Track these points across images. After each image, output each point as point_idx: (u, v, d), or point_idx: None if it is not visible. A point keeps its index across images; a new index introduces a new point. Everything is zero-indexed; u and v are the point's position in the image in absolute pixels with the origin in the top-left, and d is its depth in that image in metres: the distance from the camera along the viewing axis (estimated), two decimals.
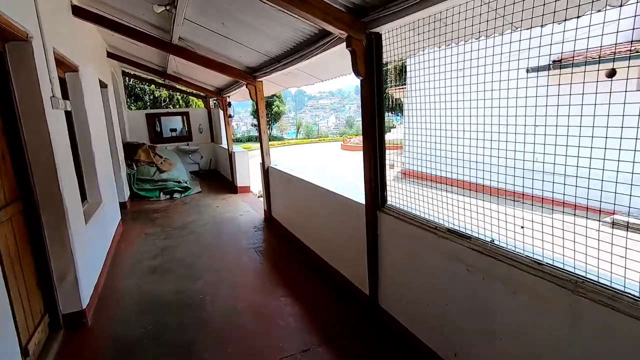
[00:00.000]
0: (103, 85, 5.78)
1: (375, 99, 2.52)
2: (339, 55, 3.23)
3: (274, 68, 4.10)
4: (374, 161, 2.63)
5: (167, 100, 14.72)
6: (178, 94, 13.84)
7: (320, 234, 3.67)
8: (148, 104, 14.52)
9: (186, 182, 7.29)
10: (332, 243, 3.40)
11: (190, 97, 13.56)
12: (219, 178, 8.96)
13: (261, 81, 4.86)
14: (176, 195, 7.05)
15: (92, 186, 3.99)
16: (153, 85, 13.49)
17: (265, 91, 5.06)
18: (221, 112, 8.11)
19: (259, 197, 7.42)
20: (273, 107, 31.24)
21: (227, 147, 7.92)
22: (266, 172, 5.27)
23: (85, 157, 3.90)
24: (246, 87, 4.96)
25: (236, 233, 4.94)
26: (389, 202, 2.64)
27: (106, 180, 4.51)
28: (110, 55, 6.46)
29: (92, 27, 5.19)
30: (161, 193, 7.01)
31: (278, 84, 5.28)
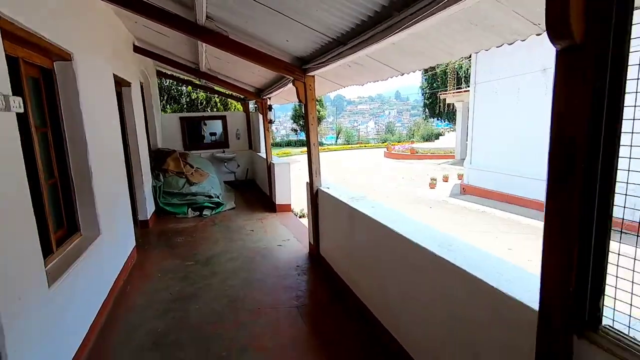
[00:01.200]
0: (125, 84, 4.89)
1: None
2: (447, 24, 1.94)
3: (336, 55, 2.85)
4: (568, 236, 1.21)
5: (204, 102, 13.95)
6: (216, 96, 13.10)
7: (410, 316, 2.28)
8: (184, 106, 13.96)
9: (218, 197, 6.27)
10: (435, 343, 2.03)
11: (228, 99, 12.76)
12: (256, 190, 7.95)
13: (313, 76, 3.64)
14: (206, 212, 6.04)
15: (86, 214, 2.97)
16: (190, 87, 12.83)
17: (317, 90, 3.84)
18: (260, 117, 7.06)
19: (300, 216, 6.22)
20: None
21: (265, 157, 6.83)
22: (315, 195, 4.03)
23: (78, 174, 2.89)
24: (292, 84, 3.76)
25: (273, 277, 3.73)
26: (604, 323, 1.21)
27: (113, 202, 3.51)
28: (138, 50, 5.61)
29: (113, 14, 4.29)
30: (189, 209, 6.04)
31: (334, 81, 4.04)
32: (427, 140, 31.12)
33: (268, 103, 6.54)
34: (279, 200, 6.28)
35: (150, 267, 4.05)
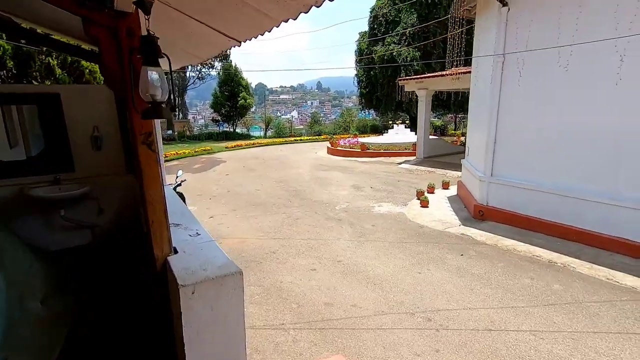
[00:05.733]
0: None
1: None
2: None
3: None
4: None
5: (13, 65, 6.75)
6: (44, 50, 6.88)
7: None
8: None
9: None
10: None
11: (82, 60, 6.65)
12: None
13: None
14: None
15: None
16: None
17: None
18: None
19: None
20: (239, 99, 25.73)
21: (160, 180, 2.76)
22: None
23: None
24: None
25: None
26: None
27: None
28: None
29: None
30: None
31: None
32: (363, 133, 28.93)
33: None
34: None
35: None
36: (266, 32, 1.76)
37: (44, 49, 6.17)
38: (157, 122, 3.60)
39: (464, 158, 8.38)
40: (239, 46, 2.10)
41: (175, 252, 1.76)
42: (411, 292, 4.15)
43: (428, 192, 8.70)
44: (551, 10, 5.06)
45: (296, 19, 1.45)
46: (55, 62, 7.19)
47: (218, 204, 8.38)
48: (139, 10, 1.27)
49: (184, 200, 6.19)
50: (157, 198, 1.54)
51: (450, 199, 8.31)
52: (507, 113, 5.95)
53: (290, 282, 4.48)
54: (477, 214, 6.59)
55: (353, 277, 4.55)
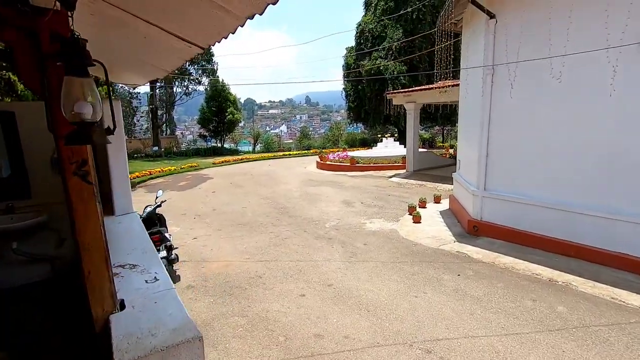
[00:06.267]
0: None
1: None
2: None
3: None
4: None
5: None
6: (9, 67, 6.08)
7: None
8: None
9: None
10: None
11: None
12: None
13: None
14: None
15: None
16: None
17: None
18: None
19: None
20: (227, 114, 25.49)
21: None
22: None
23: None
24: None
25: None
26: None
27: None
28: None
29: None
30: None
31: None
32: (352, 147, 28.88)
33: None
34: None
35: None
36: (230, 34, 1.50)
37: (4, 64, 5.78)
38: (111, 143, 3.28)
39: (455, 171, 8.22)
40: (203, 52, 1.85)
41: (122, 307, 1.43)
42: (408, 319, 3.84)
43: (420, 207, 8.48)
44: (541, 21, 4.98)
45: (262, 13, 1.20)
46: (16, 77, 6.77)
47: (202, 224, 7.99)
48: (63, 8, 1.00)
49: (164, 223, 5.82)
50: (94, 242, 1.23)
51: (442, 213, 8.09)
52: (499, 125, 5.81)
53: (277, 311, 4.13)
54: (472, 230, 6.36)
55: (345, 304, 4.22)
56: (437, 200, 9.15)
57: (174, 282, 4.99)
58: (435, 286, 4.54)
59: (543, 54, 4.86)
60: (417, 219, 7.43)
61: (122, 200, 2.99)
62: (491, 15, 5.60)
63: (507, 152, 5.76)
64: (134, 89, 28.84)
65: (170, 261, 5.11)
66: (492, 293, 4.30)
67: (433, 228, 7.02)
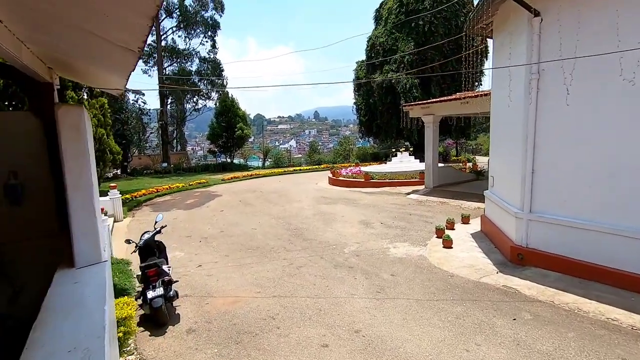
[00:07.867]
0: None
1: None
2: None
3: None
4: None
5: None
6: None
7: None
8: None
9: None
10: None
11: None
12: None
13: None
14: None
15: None
16: None
17: None
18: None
19: None
20: (236, 129, 25.15)
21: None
22: None
23: None
24: None
25: None
26: None
27: None
28: None
29: None
30: None
31: None
32: (364, 161, 28.15)
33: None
34: None
35: None
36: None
37: None
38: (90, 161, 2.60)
39: (486, 189, 7.40)
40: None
41: None
42: None
43: (447, 228, 7.63)
44: (604, 14, 4.24)
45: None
46: None
47: (208, 248, 7.28)
48: None
49: (164, 251, 5.11)
50: None
51: (474, 236, 7.24)
52: (549, 137, 5.02)
53: None
54: (516, 258, 5.50)
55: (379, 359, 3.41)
56: (465, 220, 8.30)
57: (173, 324, 4.24)
58: (488, 335, 3.70)
59: (610, 48, 4.10)
60: (447, 244, 6.59)
61: (86, 244, 2.23)
62: (536, 13, 4.91)
63: (560, 168, 4.95)
64: (139, 102, 28.80)
65: (168, 299, 4.38)
66: (563, 347, 3.44)
67: (468, 255, 6.16)
